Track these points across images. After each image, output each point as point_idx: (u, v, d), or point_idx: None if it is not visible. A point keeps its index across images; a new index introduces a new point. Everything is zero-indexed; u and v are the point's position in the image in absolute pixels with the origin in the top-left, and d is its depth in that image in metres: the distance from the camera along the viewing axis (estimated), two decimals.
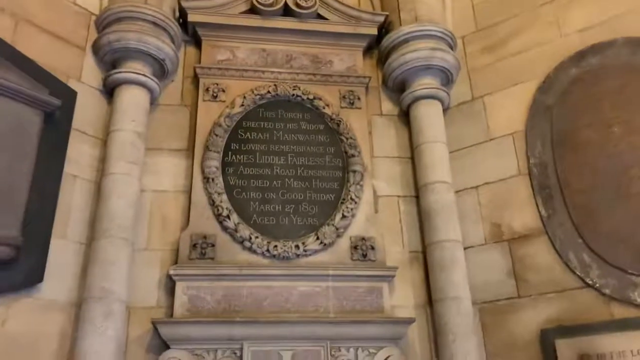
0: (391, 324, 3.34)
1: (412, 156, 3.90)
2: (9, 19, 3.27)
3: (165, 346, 3.13)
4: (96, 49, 3.64)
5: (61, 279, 3.09)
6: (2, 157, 2.92)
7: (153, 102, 3.73)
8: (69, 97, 3.35)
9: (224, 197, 3.53)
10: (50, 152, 3.15)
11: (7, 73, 3.05)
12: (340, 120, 3.88)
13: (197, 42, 4.06)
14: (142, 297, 3.28)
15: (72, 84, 3.45)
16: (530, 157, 3.56)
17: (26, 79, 3.14)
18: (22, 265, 2.87)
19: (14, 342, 2.81)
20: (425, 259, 3.59)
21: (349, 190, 3.67)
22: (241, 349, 3.13)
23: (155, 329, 3.13)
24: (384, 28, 4.22)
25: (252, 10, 4.06)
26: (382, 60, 4.17)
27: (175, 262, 3.34)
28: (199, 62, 3.97)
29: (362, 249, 3.53)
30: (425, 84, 3.89)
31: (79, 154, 3.38)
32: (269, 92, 3.90)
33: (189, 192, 3.59)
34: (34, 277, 2.93)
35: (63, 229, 3.16)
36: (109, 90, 3.62)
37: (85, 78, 3.57)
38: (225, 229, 3.46)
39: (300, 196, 3.66)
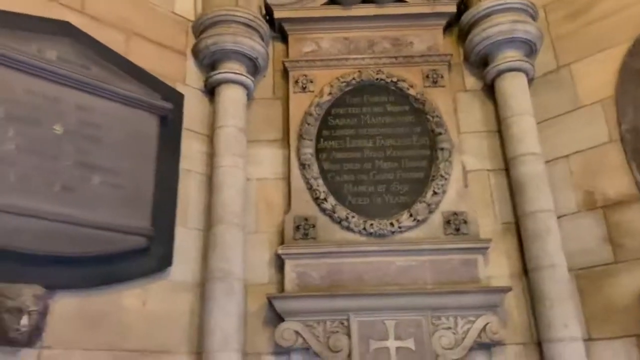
0: (488, 293, 3.45)
1: (499, 129, 3.93)
2: (120, 34, 3.63)
3: (279, 319, 3.44)
4: (196, 52, 3.96)
5: (186, 262, 3.46)
6: (129, 160, 3.31)
7: (249, 97, 4.00)
8: (177, 100, 3.69)
9: (320, 181, 3.78)
10: (167, 151, 3.51)
11: (125, 83, 3.42)
12: (425, 100, 3.98)
13: (284, 37, 4.29)
14: (256, 275, 3.60)
15: (179, 88, 3.79)
16: (622, 123, 3.50)
17: (141, 87, 3.51)
18: (154, 252, 3.27)
19: (154, 319, 3.22)
20: (518, 229, 3.65)
21: (438, 168, 3.78)
22: (348, 320, 3.38)
23: (270, 303, 3.46)
24: (463, 4, 4.23)
25: (333, 1, 4.23)
26: (462, 37, 4.19)
27: (282, 243, 3.63)
28: (287, 56, 4.20)
29: (455, 223, 3.67)
30: (509, 57, 3.89)
31: (190, 151, 3.71)
32: (353, 78, 4.08)
33: (287, 178, 3.87)
34: (165, 262, 3.33)
35: (184, 218, 3.53)
36: (210, 90, 3.94)
37: (189, 81, 3.90)
38: (323, 210, 3.71)
39: (391, 176, 3.82)
